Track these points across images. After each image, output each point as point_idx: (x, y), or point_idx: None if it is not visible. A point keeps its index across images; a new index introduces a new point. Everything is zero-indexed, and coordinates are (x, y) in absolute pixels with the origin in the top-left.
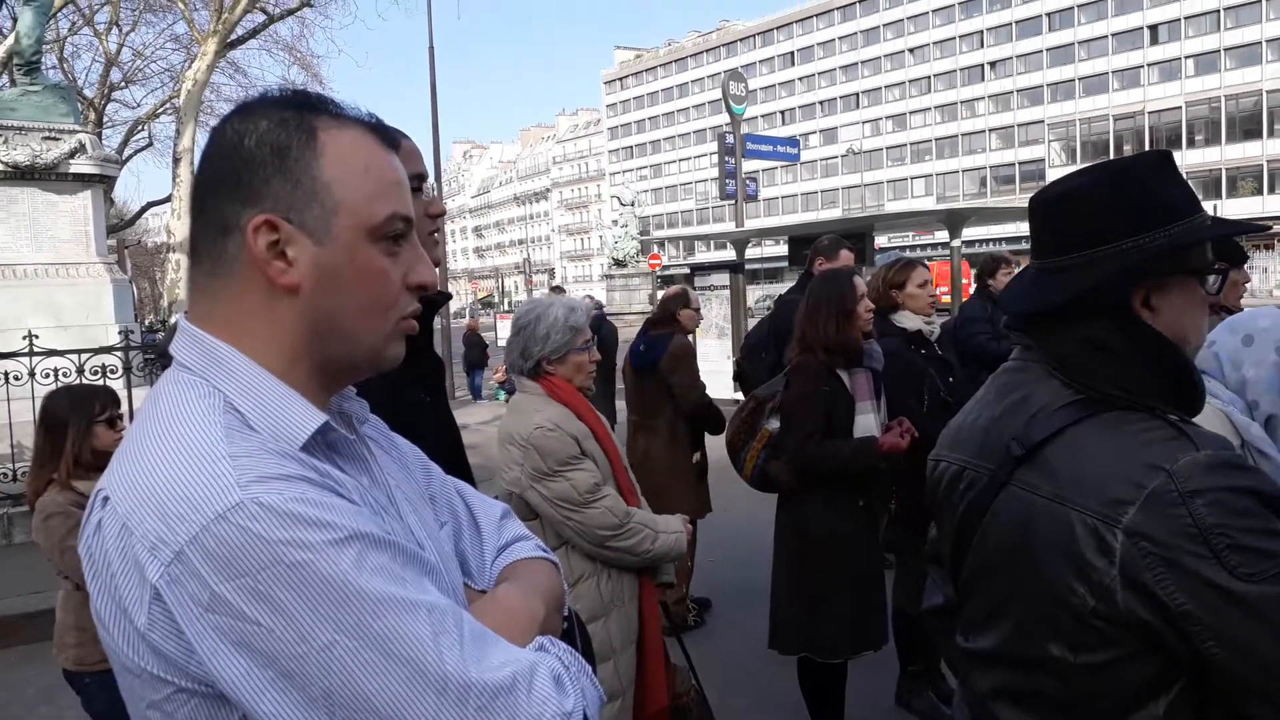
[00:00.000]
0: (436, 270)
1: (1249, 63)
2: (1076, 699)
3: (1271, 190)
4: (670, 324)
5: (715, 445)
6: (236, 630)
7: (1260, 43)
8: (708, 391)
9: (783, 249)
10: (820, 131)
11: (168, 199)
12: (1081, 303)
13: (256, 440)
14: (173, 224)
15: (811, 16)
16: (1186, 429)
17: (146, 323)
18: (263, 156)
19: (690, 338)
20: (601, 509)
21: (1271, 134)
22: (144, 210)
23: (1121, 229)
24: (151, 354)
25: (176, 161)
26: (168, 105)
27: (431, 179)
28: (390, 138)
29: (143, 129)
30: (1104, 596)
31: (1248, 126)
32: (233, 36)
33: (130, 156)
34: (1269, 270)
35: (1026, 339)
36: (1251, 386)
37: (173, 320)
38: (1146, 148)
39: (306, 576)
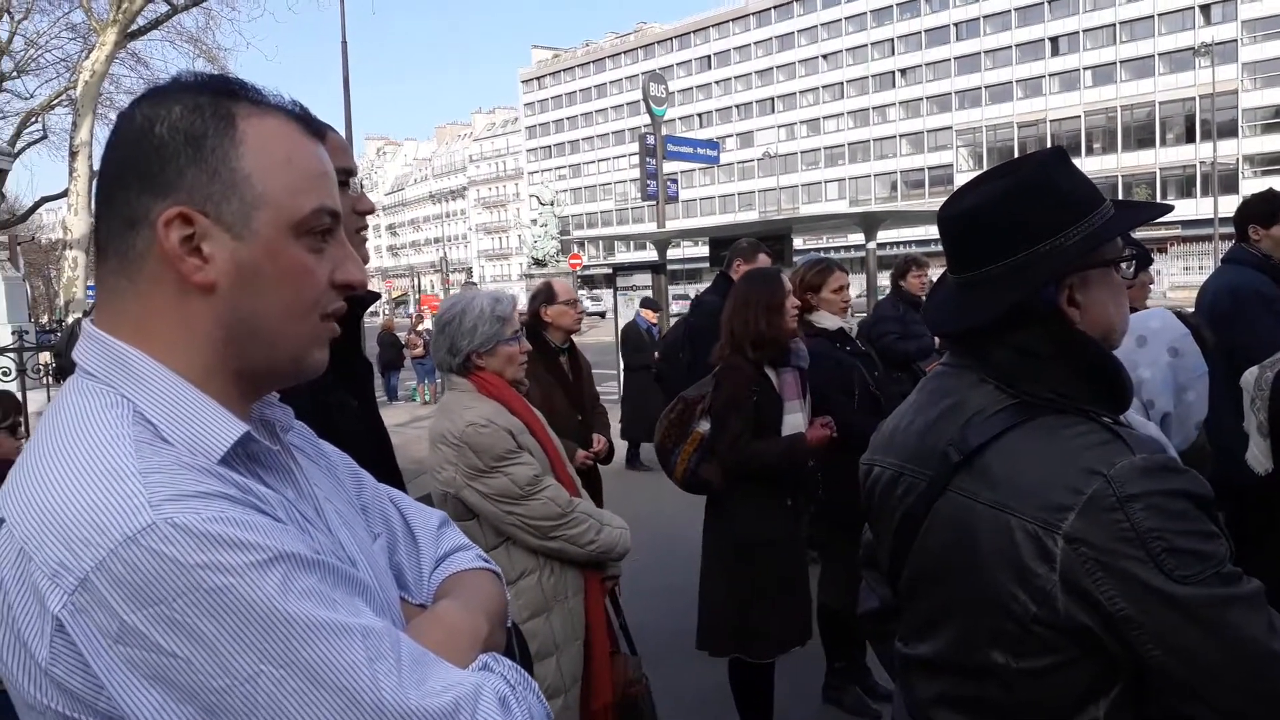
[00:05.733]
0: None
1: (1143, 75)
2: (1019, 704)
3: (1164, 195)
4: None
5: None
6: (151, 663)
7: (1153, 55)
8: None
9: (702, 250)
10: (737, 135)
11: (64, 194)
12: (1010, 313)
13: (170, 454)
14: (69, 220)
15: (728, 21)
16: (1121, 432)
17: (42, 323)
18: (176, 145)
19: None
20: (544, 499)
21: (1164, 143)
22: (38, 205)
23: (1037, 233)
24: (50, 353)
25: (73, 155)
26: (64, 96)
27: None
28: (315, 127)
29: (36, 121)
30: (1045, 602)
31: (1141, 135)
32: (134, 27)
33: (23, 149)
34: (1161, 272)
35: (957, 348)
36: (1147, 386)
37: (70, 320)
38: None
39: (227, 603)
